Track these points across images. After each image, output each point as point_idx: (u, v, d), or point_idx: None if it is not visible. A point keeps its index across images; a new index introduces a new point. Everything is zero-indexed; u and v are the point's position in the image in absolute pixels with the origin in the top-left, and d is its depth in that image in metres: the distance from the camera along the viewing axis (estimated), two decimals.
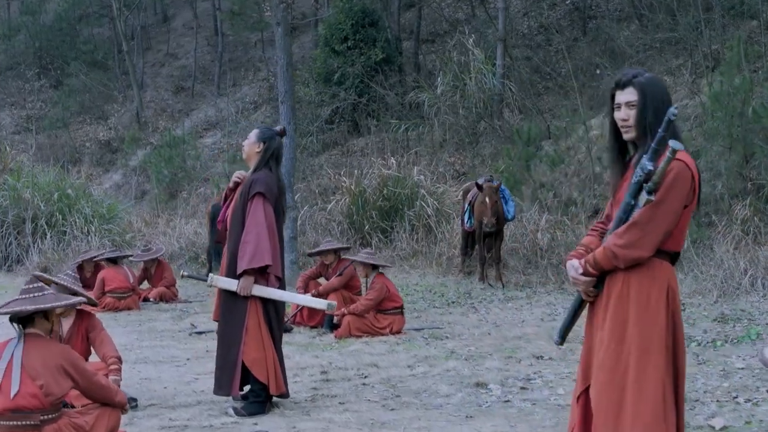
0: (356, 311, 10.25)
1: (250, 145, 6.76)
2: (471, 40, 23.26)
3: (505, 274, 14.94)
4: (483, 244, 14.98)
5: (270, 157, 6.71)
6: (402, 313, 10.52)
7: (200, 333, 10.92)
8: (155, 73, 37.68)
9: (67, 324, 7.05)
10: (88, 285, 14.05)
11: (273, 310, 6.58)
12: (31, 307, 5.27)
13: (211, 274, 6.78)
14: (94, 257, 14.33)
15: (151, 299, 14.16)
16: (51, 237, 20.80)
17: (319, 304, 7.12)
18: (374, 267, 10.57)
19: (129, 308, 13.25)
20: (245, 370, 6.49)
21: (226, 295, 6.59)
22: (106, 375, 6.69)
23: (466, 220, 15.25)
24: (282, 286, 6.67)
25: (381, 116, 24.62)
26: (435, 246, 17.53)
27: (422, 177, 19.10)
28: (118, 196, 28.15)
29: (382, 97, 24.94)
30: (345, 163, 23.04)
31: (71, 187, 22.55)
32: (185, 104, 34.47)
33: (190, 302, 14.33)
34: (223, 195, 7.10)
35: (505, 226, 15.21)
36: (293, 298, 7.57)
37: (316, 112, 25.97)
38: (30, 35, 38.54)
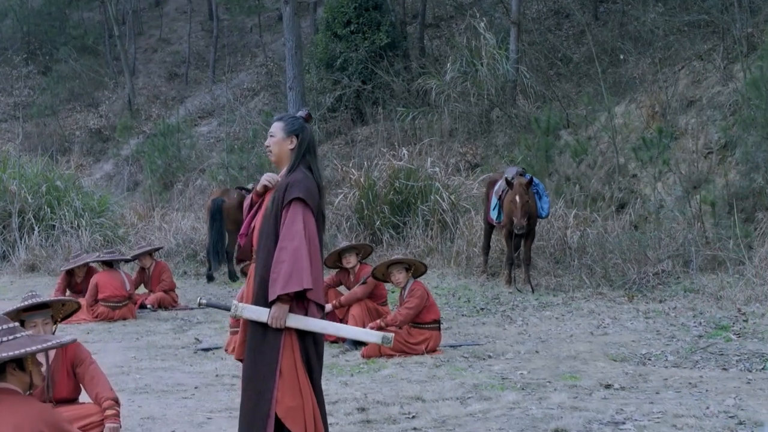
0: (396, 323, 8.97)
1: (279, 144, 5.45)
2: (482, 24, 21.96)
3: (533, 276, 13.68)
4: (511, 244, 13.71)
5: (306, 152, 5.43)
6: (439, 329, 9.24)
7: (206, 350, 9.63)
8: (148, 58, 36.56)
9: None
10: (79, 291, 12.80)
11: (313, 345, 5.24)
12: None
13: (235, 302, 5.38)
14: (88, 262, 12.98)
15: (148, 306, 12.83)
16: (39, 232, 19.54)
17: (373, 337, 5.65)
18: (408, 269, 9.24)
19: (124, 318, 11.93)
20: (277, 421, 5.14)
21: (254, 328, 5.22)
22: (102, 422, 5.46)
23: (495, 216, 13.90)
24: (324, 315, 5.36)
25: (386, 104, 23.33)
26: (452, 243, 16.30)
27: (437, 169, 17.80)
28: (109, 187, 26.97)
29: (388, 83, 23.66)
30: (350, 154, 21.78)
31: (60, 179, 21.26)
32: (179, 91, 33.33)
33: (192, 309, 13.01)
34: (248, 202, 5.78)
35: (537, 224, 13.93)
36: (339, 329, 6.04)
37: (318, 99, 24.66)
38: (17, 19, 37.34)
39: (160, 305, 12.88)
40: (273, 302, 5.10)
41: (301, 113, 5.63)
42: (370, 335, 5.76)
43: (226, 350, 9.35)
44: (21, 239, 19.52)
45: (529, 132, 19.95)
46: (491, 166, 19.76)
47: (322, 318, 5.29)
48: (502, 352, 9.04)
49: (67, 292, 12.88)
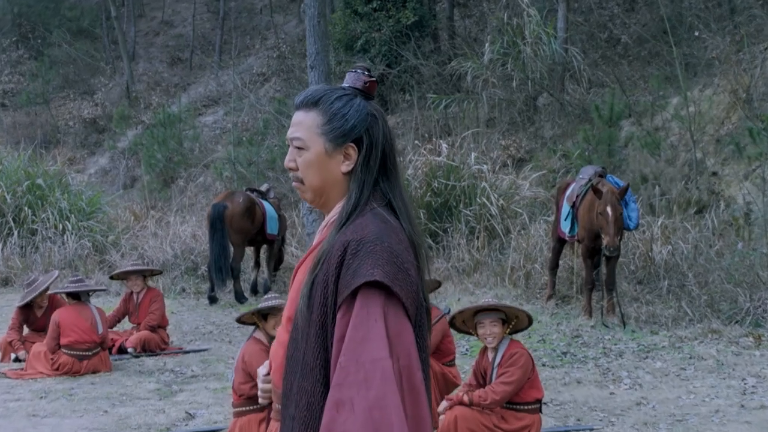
0: (485, 402, 6.01)
1: (318, 164, 2.62)
2: None
3: (617, 303, 10.79)
4: (590, 264, 10.85)
5: (380, 174, 2.61)
6: (541, 409, 6.29)
7: None
8: (148, 42, 34.68)
9: None
10: (40, 328, 9.92)
11: None
12: None
13: None
14: (47, 290, 10.05)
15: (129, 350, 9.89)
16: (19, 237, 16.74)
17: None
18: (505, 321, 6.24)
19: (96, 370, 9.00)
20: None
21: None
22: None
23: (567, 229, 11.05)
24: None
25: (415, 90, 20.54)
26: (503, 256, 13.51)
27: (484, 167, 14.98)
28: (104, 183, 24.46)
29: (416, 67, 20.92)
30: None
31: (43, 176, 18.45)
32: (182, 77, 31.29)
33: (186, 352, 10.09)
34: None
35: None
36: None
37: (337, 84, 21.88)
38: (7, 0, 34.73)
39: (144, 348, 9.92)
40: None
41: (354, 78, 2.76)
42: None
43: None
44: None
45: (584, 121, 17.19)
46: (540, 162, 16.98)
47: None
48: None
49: (25, 330, 10.02)
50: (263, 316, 6.43)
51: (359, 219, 2.46)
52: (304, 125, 2.61)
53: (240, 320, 6.69)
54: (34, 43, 33.20)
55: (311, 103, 2.64)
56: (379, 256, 2.34)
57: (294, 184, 2.66)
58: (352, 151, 2.59)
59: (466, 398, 6.06)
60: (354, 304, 2.33)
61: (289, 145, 2.64)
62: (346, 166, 2.59)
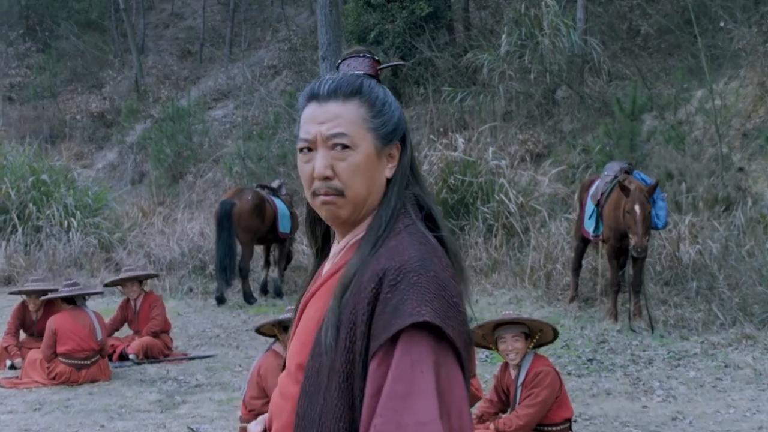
0: (510, 428, 5.51)
1: (369, 161, 2.00)
2: None
3: (644, 306, 10.25)
4: (616, 264, 10.32)
5: (412, 178, 2.07)
6: (571, 428, 5.78)
7: None
8: (158, 35, 34.14)
9: None
10: (37, 333, 9.42)
11: None
12: None
13: None
14: (43, 293, 9.56)
15: (130, 356, 9.39)
16: (23, 234, 16.27)
17: None
18: (528, 335, 5.73)
19: (94, 380, 8.51)
20: None
21: None
22: None
23: (591, 228, 10.52)
24: None
25: (429, 83, 20.01)
26: (523, 255, 13.00)
27: (503, 162, 14.48)
28: (111, 178, 24.00)
29: (430, 59, 20.38)
30: None
31: (48, 171, 17.98)
32: (192, 71, 30.74)
33: (191, 359, 9.59)
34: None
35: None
36: None
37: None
38: None
39: (147, 355, 9.41)
40: None
41: (366, 64, 2.10)
42: None
43: None
44: (0, 243, 16.28)
45: (604, 115, 16.66)
46: (559, 157, 16.46)
47: None
48: None
49: (21, 335, 9.54)
50: (284, 327, 5.90)
51: (393, 240, 1.92)
52: (346, 119, 1.99)
53: (259, 331, 6.16)
54: (41, 36, 32.75)
55: (350, 92, 2.01)
56: (426, 290, 1.82)
57: (325, 198, 2.01)
58: (396, 151, 2.06)
59: (492, 426, 5.56)
60: (394, 350, 1.80)
61: (307, 148, 2.03)
62: (390, 170, 2.05)
